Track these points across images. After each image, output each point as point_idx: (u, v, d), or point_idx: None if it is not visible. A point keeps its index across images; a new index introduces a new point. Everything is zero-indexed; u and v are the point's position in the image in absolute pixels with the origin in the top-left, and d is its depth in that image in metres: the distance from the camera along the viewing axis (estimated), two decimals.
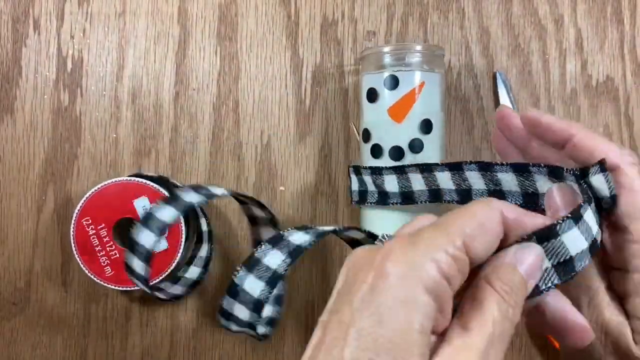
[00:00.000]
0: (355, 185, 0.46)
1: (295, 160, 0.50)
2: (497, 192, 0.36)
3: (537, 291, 0.25)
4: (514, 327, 0.24)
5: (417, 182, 0.41)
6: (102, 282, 0.46)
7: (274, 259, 0.37)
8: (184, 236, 0.46)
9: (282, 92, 0.50)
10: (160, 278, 0.46)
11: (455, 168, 0.38)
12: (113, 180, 0.46)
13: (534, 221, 0.26)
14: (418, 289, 0.22)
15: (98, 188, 0.46)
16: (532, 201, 0.34)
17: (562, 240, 0.26)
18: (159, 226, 0.40)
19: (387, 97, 0.43)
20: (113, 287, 0.46)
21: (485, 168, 0.36)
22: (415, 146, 0.43)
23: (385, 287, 0.22)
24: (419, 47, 0.44)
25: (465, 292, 0.25)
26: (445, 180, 0.39)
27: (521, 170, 0.34)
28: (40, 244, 0.50)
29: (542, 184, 0.33)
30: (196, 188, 0.42)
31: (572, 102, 0.49)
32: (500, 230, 0.25)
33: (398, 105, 0.43)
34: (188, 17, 0.50)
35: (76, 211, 0.46)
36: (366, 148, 0.45)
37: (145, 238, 0.40)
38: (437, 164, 0.40)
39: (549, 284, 0.26)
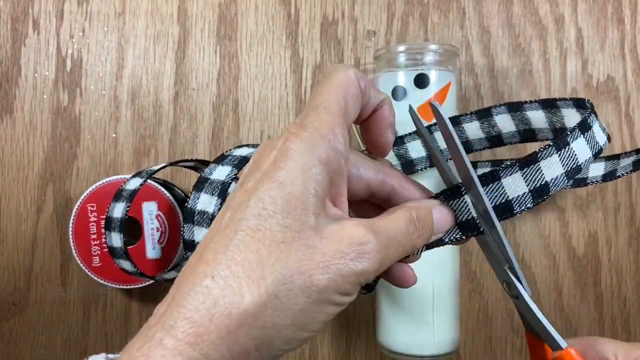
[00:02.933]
0: None
1: None
2: (527, 131, 0.39)
3: (441, 242, 0.30)
4: (407, 253, 0.27)
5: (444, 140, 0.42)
6: (86, 270, 0.46)
7: (207, 201, 0.38)
8: (181, 220, 0.46)
9: (282, 92, 0.50)
10: (170, 267, 0.46)
11: (484, 115, 0.40)
12: (131, 177, 0.44)
13: (378, 93, 0.29)
14: (314, 161, 0.25)
15: (114, 179, 0.46)
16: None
17: (466, 199, 0.29)
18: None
19: (416, 96, 0.43)
20: (97, 278, 0.47)
21: (515, 109, 0.38)
22: None
23: (286, 160, 0.25)
24: (441, 47, 0.43)
25: (386, 210, 0.29)
26: (474, 130, 0.41)
27: (549, 105, 0.36)
28: (39, 243, 0.50)
29: (570, 118, 0.35)
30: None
31: None
32: (360, 93, 0.28)
33: (427, 105, 0.42)
34: (188, 17, 0.50)
35: (86, 193, 0.46)
36: None
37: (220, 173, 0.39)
38: (465, 114, 0.41)
39: (452, 238, 0.30)
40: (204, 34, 0.50)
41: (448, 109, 0.43)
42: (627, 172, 0.43)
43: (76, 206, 0.46)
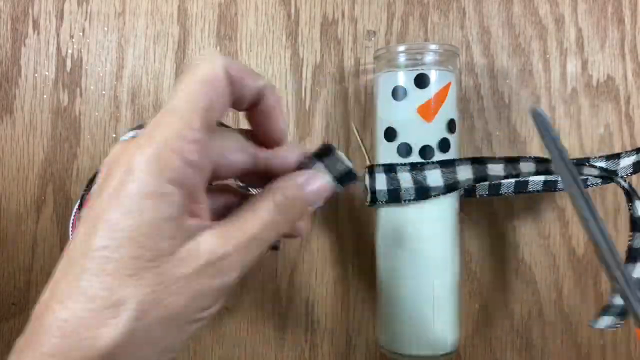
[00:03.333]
0: (381, 185, 0.44)
1: None
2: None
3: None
4: (275, 238, 0.27)
5: (464, 172, 0.43)
6: None
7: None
8: None
9: (282, 92, 0.50)
10: None
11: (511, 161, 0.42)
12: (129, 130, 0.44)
13: (256, 79, 0.27)
14: (162, 181, 0.23)
15: None
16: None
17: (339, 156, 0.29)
18: None
19: (416, 96, 0.43)
20: None
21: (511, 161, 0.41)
22: (444, 145, 0.43)
23: (132, 181, 0.23)
24: (441, 47, 0.43)
25: (250, 198, 0.27)
26: (497, 169, 0.42)
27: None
28: (39, 243, 0.50)
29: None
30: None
31: (573, 101, 0.49)
32: (228, 87, 0.25)
33: (428, 104, 0.42)
34: (188, 17, 0.50)
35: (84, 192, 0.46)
36: (390, 147, 0.43)
37: None
38: (492, 158, 0.42)
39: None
40: (204, 34, 0.50)
41: (448, 109, 0.43)
42: (627, 174, 0.43)
43: (75, 207, 0.46)
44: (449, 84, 0.43)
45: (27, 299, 0.50)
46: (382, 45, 0.50)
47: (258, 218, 0.26)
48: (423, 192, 0.43)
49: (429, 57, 0.43)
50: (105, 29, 0.50)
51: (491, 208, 0.50)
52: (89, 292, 0.23)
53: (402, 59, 0.44)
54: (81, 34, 0.50)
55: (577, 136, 0.49)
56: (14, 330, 0.50)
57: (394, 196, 0.43)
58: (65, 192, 0.50)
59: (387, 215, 0.44)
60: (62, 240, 0.50)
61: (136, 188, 0.23)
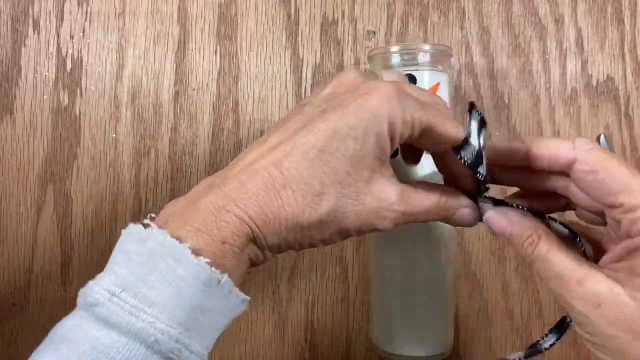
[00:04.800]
0: None
1: None
2: None
3: None
4: (422, 222, 0.33)
5: None
6: None
7: None
8: None
9: (282, 92, 0.50)
10: None
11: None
12: None
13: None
14: (385, 128, 0.30)
15: None
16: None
17: None
18: None
19: None
20: None
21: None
22: None
23: (367, 119, 0.30)
24: (433, 47, 0.43)
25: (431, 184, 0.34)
26: None
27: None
28: (40, 243, 0.50)
29: None
30: None
31: (573, 101, 0.49)
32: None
33: None
34: (188, 17, 0.50)
35: None
36: None
37: None
38: None
39: None
40: (204, 34, 0.50)
41: None
42: None
43: None
44: (438, 84, 0.43)
45: (27, 299, 0.50)
46: (382, 46, 0.50)
47: (424, 205, 0.32)
48: None
49: (421, 58, 0.43)
50: (106, 29, 0.51)
51: None
52: (305, 177, 0.29)
53: (394, 59, 0.43)
54: (81, 34, 0.51)
55: (577, 136, 0.49)
56: (14, 330, 0.50)
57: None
58: (65, 192, 0.50)
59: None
60: (62, 240, 0.50)
61: (368, 124, 0.29)
